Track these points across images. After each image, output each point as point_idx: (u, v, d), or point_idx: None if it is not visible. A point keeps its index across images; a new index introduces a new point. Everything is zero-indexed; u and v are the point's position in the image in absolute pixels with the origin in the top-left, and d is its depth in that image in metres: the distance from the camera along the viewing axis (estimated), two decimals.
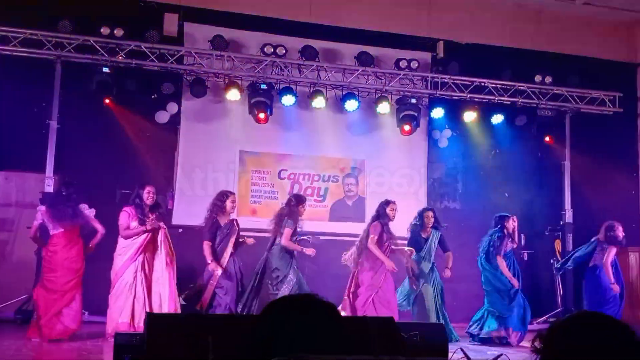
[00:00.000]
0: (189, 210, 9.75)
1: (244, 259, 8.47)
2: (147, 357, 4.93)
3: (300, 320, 1.61)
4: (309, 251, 8.50)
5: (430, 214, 9.14)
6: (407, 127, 10.71)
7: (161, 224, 8.12)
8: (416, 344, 5.15)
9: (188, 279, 9.20)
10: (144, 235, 7.93)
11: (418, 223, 9.13)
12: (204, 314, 7.74)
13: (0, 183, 9.71)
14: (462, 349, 6.26)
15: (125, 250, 7.90)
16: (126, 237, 7.91)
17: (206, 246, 8.08)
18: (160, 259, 8.01)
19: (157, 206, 8.24)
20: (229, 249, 8.15)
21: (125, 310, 7.72)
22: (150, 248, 7.99)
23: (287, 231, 8.34)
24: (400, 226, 9.20)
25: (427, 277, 8.91)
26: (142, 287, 7.83)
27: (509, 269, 8.89)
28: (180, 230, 9.72)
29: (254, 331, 1.63)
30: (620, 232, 8.95)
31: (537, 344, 1.73)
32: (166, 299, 7.89)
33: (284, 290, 8.15)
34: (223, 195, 8.40)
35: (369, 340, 4.74)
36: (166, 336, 4.94)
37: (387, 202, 8.73)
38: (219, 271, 7.98)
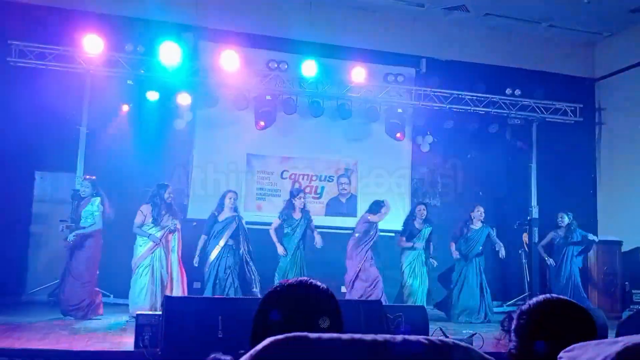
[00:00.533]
0: (202, 206, 9.72)
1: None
2: (164, 334, 4.93)
3: (295, 303, 1.60)
4: (280, 249, 8.51)
5: (423, 207, 9.23)
6: (398, 134, 10.69)
7: (177, 223, 8.13)
8: (400, 324, 5.17)
9: (198, 265, 9.25)
10: (162, 232, 7.93)
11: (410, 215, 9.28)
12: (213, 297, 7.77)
13: (37, 182, 9.69)
14: (440, 329, 6.28)
15: (145, 242, 7.92)
16: (136, 234, 7.94)
17: (201, 240, 8.27)
18: (175, 253, 8.05)
19: (172, 206, 8.20)
20: (222, 242, 8.17)
21: (143, 294, 7.74)
22: (165, 243, 8.00)
23: (275, 221, 8.47)
24: (389, 220, 9.26)
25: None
26: (159, 275, 7.85)
27: None
28: (195, 223, 9.68)
29: (255, 315, 1.62)
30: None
31: (506, 324, 1.73)
32: (179, 285, 7.93)
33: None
34: (223, 194, 8.47)
35: (359, 321, 4.75)
36: (181, 316, 4.95)
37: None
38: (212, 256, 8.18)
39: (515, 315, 1.67)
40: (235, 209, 8.47)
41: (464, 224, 9.43)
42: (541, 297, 1.67)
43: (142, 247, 7.90)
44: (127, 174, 9.48)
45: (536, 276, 10.80)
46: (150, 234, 7.89)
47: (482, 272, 9.35)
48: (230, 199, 8.36)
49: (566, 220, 9.60)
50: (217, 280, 8.11)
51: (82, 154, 9.27)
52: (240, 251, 8.32)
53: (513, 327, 1.66)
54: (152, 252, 7.86)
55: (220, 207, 8.37)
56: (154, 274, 7.83)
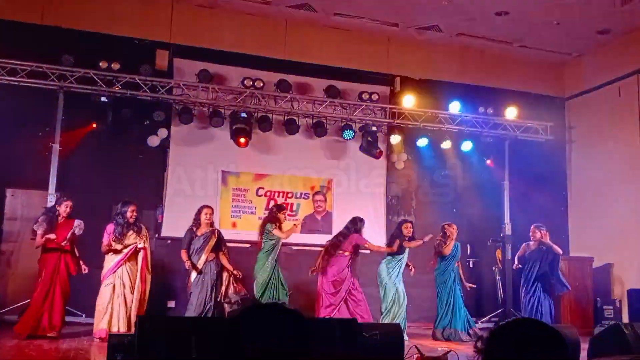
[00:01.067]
0: (177, 224, 9.60)
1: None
2: (138, 355, 4.85)
3: (266, 328, 1.60)
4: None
5: (409, 225, 9.17)
6: (377, 152, 10.70)
7: (141, 243, 7.97)
8: (375, 342, 5.16)
9: (172, 283, 9.15)
10: (125, 251, 7.82)
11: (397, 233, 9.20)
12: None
13: (8, 199, 9.53)
14: (415, 346, 6.28)
15: (108, 262, 7.81)
16: (105, 253, 7.82)
17: (183, 253, 8.11)
18: (138, 273, 7.91)
19: (136, 223, 8.02)
20: (204, 256, 8.09)
21: (105, 314, 7.60)
22: (131, 259, 7.88)
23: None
24: (365, 236, 9.26)
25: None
26: (121, 294, 7.71)
27: None
28: (169, 241, 9.63)
29: (228, 337, 1.62)
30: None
31: (479, 344, 1.75)
32: (135, 305, 7.76)
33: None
34: (199, 209, 8.36)
35: (333, 339, 4.73)
36: (155, 336, 4.88)
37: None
38: (194, 274, 7.98)
39: (485, 338, 1.69)
40: (212, 224, 8.40)
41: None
42: (511, 319, 1.69)
43: (107, 264, 7.79)
44: (100, 192, 9.36)
45: (510, 293, 10.88)
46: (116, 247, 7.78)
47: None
48: (206, 214, 8.28)
49: (538, 235, 9.55)
50: (201, 296, 7.97)
51: (55, 171, 9.14)
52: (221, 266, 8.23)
53: (485, 349, 1.67)
54: (114, 271, 7.73)
55: (197, 222, 8.29)
56: (115, 291, 7.70)
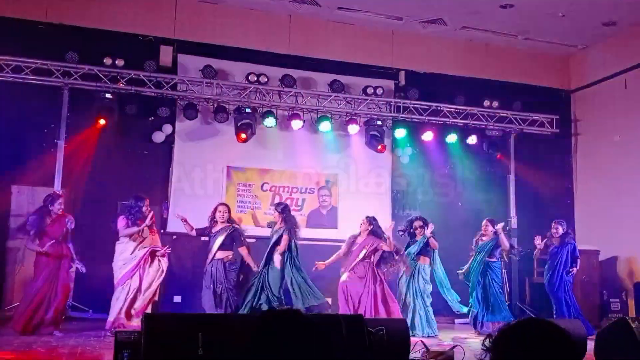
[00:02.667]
0: None
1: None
2: (144, 352, 4.86)
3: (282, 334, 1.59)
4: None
5: (419, 222, 9.23)
6: (379, 147, 10.68)
7: (160, 248, 8.09)
8: (382, 338, 5.15)
9: (178, 278, 9.18)
10: (142, 253, 7.88)
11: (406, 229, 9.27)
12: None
13: (14, 196, 9.54)
14: (422, 341, 6.28)
15: (127, 264, 7.86)
16: (125, 236, 7.87)
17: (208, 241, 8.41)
18: (155, 271, 7.99)
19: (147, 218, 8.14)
20: (212, 253, 8.14)
21: (122, 309, 7.69)
22: (148, 261, 7.96)
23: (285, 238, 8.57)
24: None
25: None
26: (135, 291, 7.81)
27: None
28: (174, 237, 9.64)
29: (248, 343, 1.62)
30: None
31: (487, 343, 1.74)
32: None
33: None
34: (214, 207, 8.48)
35: (340, 335, 4.73)
36: (161, 333, 4.89)
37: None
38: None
39: (494, 338, 1.68)
40: (228, 221, 8.47)
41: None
42: (523, 320, 1.68)
43: (124, 267, 7.84)
44: (105, 188, 9.37)
45: (515, 286, 10.87)
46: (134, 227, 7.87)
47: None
48: (220, 212, 8.38)
49: (560, 230, 9.47)
50: (214, 292, 8.09)
51: (60, 168, 9.15)
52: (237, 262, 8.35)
53: (493, 348, 1.66)
54: (134, 272, 7.81)
55: (213, 219, 8.41)
56: (131, 290, 7.80)
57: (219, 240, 8.24)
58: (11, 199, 9.50)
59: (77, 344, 7.06)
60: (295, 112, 10.43)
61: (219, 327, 4.74)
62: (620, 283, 10.92)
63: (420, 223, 9.23)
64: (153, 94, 9.67)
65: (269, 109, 10.28)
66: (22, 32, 9.36)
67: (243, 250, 8.39)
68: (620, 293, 10.71)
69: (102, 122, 9.39)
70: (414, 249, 9.07)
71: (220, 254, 8.22)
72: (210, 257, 8.22)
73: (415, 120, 10.89)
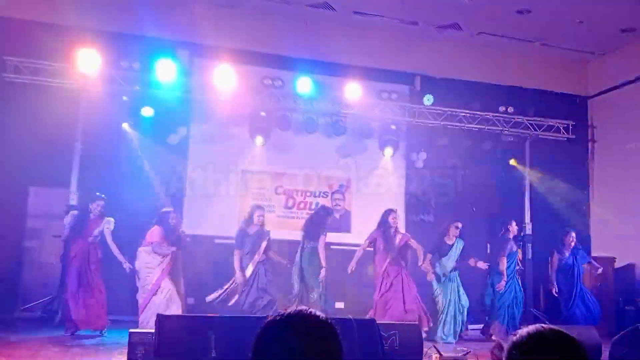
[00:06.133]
0: (197, 221, 9.72)
1: None
2: (156, 352, 4.89)
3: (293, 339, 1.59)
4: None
5: (459, 224, 9.28)
6: (395, 151, 10.68)
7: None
8: (394, 342, 5.14)
9: (192, 280, 9.21)
10: (167, 260, 8.06)
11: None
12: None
13: (31, 197, 9.64)
14: (434, 346, 6.24)
15: (154, 270, 8.04)
16: (155, 252, 8.02)
17: (235, 255, 8.34)
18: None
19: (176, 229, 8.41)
20: (257, 256, 8.25)
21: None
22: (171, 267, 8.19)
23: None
24: None
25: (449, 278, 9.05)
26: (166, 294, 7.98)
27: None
28: (188, 239, 9.66)
29: (255, 347, 1.61)
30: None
31: (496, 352, 1.73)
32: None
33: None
34: (251, 209, 8.67)
35: (352, 340, 4.72)
36: (174, 334, 4.91)
37: (389, 211, 8.92)
38: (240, 279, 8.29)
39: (505, 347, 1.66)
40: (263, 224, 8.61)
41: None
42: (531, 327, 1.66)
43: (152, 274, 8.00)
44: (121, 190, 9.42)
45: (530, 293, 10.78)
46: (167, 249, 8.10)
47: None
48: (257, 216, 8.49)
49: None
50: (250, 295, 8.13)
51: (77, 169, 9.23)
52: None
53: (504, 358, 1.64)
54: (163, 279, 8.02)
55: (250, 221, 8.50)
56: (162, 294, 8.03)
57: (264, 244, 8.38)
58: (28, 201, 9.60)
59: (91, 344, 7.09)
60: (310, 116, 10.43)
61: (232, 329, 4.75)
62: (636, 290, 10.79)
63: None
64: (169, 97, 9.71)
65: (283, 113, 10.29)
66: (40, 34, 9.42)
67: (274, 254, 8.56)
68: (637, 301, 10.59)
69: (119, 124, 9.49)
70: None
71: (263, 257, 8.34)
72: (257, 258, 8.26)
73: (430, 125, 10.85)
